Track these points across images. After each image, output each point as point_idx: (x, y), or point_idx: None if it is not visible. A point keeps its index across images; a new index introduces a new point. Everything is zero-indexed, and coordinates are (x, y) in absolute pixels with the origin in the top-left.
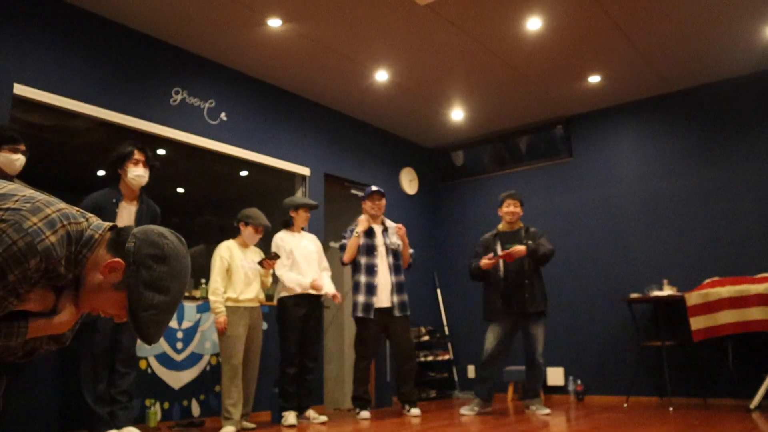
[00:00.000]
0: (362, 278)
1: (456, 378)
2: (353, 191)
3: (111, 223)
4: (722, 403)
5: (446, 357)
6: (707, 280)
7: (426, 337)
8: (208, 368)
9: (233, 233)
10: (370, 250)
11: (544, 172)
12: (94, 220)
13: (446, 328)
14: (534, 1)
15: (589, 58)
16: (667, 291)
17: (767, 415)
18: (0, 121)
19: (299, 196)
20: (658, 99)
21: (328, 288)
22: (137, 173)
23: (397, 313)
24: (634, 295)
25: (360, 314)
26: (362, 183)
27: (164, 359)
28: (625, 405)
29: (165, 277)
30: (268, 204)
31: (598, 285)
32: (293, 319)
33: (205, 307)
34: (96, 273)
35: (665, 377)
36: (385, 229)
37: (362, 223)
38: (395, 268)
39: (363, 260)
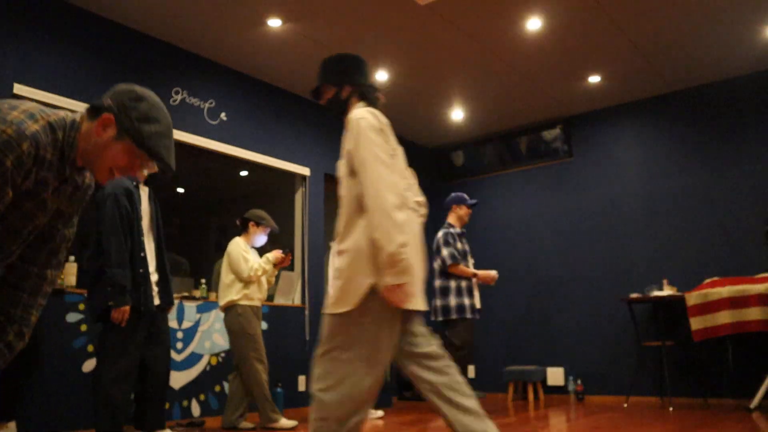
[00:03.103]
0: (463, 282)
1: None
2: None
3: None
4: (722, 403)
5: None
6: (707, 280)
7: None
8: (208, 368)
9: (237, 233)
10: (465, 255)
11: (544, 172)
12: (71, 112)
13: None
14: (534, 1)
15: (589, 58)
16: (667, 291)
17: (767, 415)
18: None
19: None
20: (658, 99)
21: None
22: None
23: (477, 315)
24: (634, 295)
25: (468, 315)
26: None
27: None
28: (625, 405)
29: (150, 109)
30: (268, 204)
31: (598, 285)
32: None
33: (205, 307)
34: (92, 139)
35: (665, 377)
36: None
37: (486, 276)
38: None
39: (461, 264)
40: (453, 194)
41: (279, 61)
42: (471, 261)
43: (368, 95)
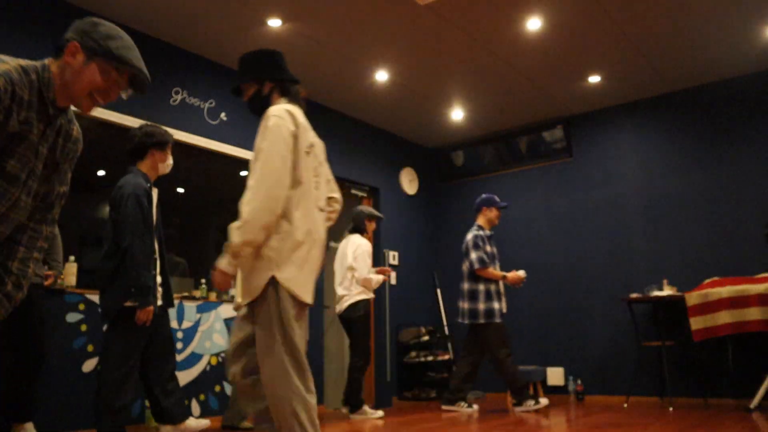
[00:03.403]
0: (492, 286)
1: None
2: (353, 191)
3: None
4: (722, 403)
5: (446, 357)
6: (707, 280)
7: (426, 337)
8: (208, 368)
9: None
10: (494, 257)
11: (544, 172)
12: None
13: (446, 328)
14: (534, 1)
15: (589, 58)
16: (667, 291)
17: (767, 415)
18: None
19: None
20: (658, 99)
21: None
22: (170, 162)
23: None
24: (634, 295)
25: (497, 320)
26: (362, 183)
27: None
28: (625, 405)
29: (110, 30)
30: None
31: (598, 285)
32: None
33: (205, 307)
34: (66, 72)
35: (665, 377)
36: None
37: (515, 277)
38: None
39: (490, 267)
40: (483, 195)
41: None
42: (497, 264)
43: (289, 90)
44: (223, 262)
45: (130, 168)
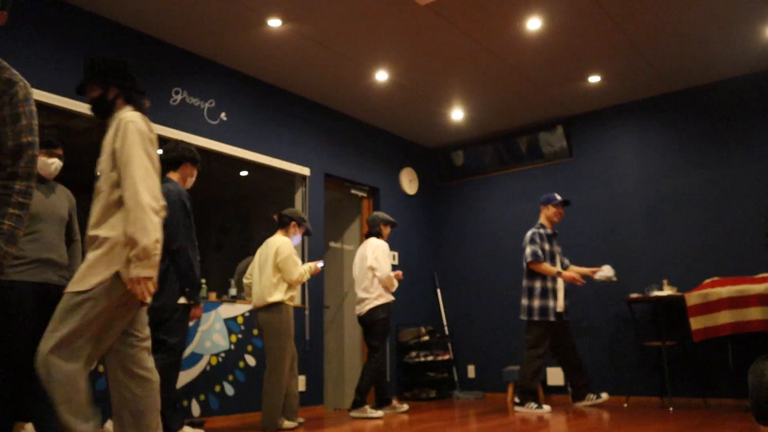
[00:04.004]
0: (549, 284)
1: (456, 378)
2: (353, 191)
3: None
4: (722, 403)
5: (446, 357)
6: (707, 280)
7: (426, 337)
8: (208, 368)
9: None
10: (552, 256)
11: (544, 172)
12: None
13: (446, 328)
14: (534, 1)
15: (589, 58)
16: (667, 291)
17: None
18: None
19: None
20: (658, 99)
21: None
22: (194, 178)
23: (566, 316)
24: (634, 295)
25: (552, 318)
26: (362, 183)
27: None
28: (625, 405)
29: None
30: (267, 204)
31: (598, 285)
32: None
33: (205, 307)
34: None
35: (665, 377)
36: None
37: (570, 276)
38: None
39: (544, 263)
40: (544, 195)
41: (279, 61)
42: (563, 261)
43: (135, 99)
44: (144, 271)
45: (166, 177)
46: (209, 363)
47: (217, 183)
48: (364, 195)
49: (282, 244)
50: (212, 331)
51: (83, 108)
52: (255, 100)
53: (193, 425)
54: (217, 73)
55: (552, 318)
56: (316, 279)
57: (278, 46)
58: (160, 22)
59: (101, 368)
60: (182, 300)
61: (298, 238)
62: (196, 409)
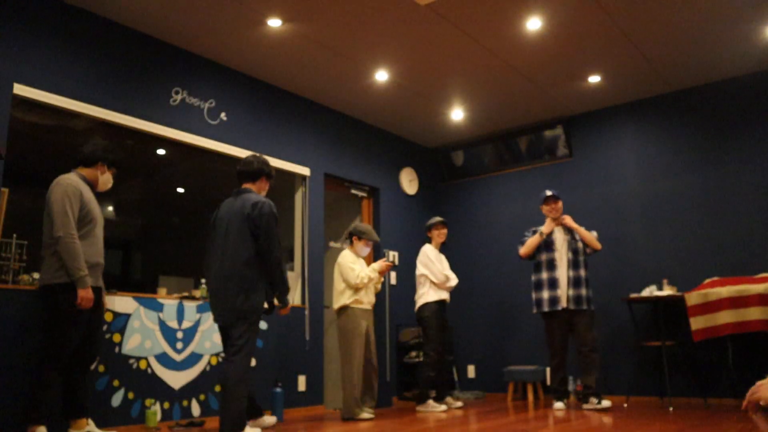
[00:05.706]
0: (544, 275)
1: (456, 378)
2: (353, 191)
3: None
4: (722, 403)
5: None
6: (707, 280)
7: None
8: (208, 368)
9: None
10: (548, 246)
11: (544, 172)
12: None
13: None
14: (534, 1)
15: (589, 58)
16: (667, 291)
17: (767, 415)
18: (0, 121)
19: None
20: (658, 99)
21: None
22: (266, 191)
23: (573, 306)
24: (634, 295)
25: (546, 309)
26: (362, 183)
27: (164, 359)
28: (625, 405)
29: None
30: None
31: (598, 285)
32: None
33: (205, 307)
34: None
35: (665, 377)
36: (568, 228)
37: (548, 225)
38: (574, 264)
39: (543, 257)
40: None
41: (279, 61)
42: (574, 245)
43: None
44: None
45: (244, 188)
46: (209, 363)
47: (217, 183)
48: (364, 195)
49: (341, 256)
50: (212, 331)
51: (83, 108)
52: (255, 100)
53: (194, 425)
54: (217, 73)
55: (546, 308)
56: (316, 279)
57: (278, 46)
58: (160, 22)
59: (101, 368)
60: (275, 303)
61: (365, 249)
62: (196, 409)
